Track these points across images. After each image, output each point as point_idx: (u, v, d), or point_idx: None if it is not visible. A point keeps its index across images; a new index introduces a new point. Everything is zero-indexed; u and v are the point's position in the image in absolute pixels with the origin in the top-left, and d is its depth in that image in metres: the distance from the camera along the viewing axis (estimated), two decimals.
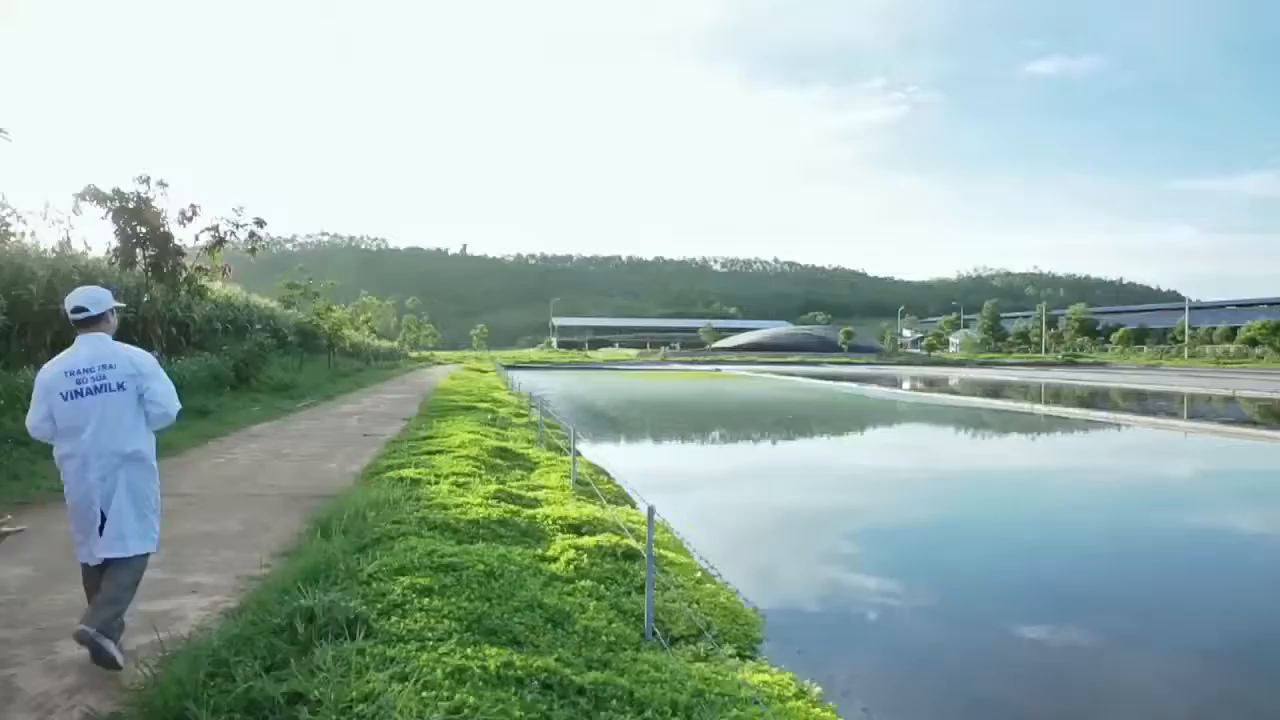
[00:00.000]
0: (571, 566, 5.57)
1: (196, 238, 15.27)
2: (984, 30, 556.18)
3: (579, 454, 10.42)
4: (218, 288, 18.97)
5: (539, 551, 5.92)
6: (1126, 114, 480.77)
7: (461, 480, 8.44)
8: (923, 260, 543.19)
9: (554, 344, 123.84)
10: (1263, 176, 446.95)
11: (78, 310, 4.24)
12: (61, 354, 4.28)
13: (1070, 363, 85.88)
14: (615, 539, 6.28)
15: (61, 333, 15.91)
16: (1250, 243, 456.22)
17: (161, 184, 15.19)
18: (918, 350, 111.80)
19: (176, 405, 4.40)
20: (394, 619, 4.17)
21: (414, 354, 63.77)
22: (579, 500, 8.25)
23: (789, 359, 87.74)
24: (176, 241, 15.32)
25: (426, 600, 4.42)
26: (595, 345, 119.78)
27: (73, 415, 4.13)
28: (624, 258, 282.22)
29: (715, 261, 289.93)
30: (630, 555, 6.06)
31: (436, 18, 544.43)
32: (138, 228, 15.01)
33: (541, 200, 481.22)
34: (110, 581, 4.19)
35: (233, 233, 15.39)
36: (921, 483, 13.50)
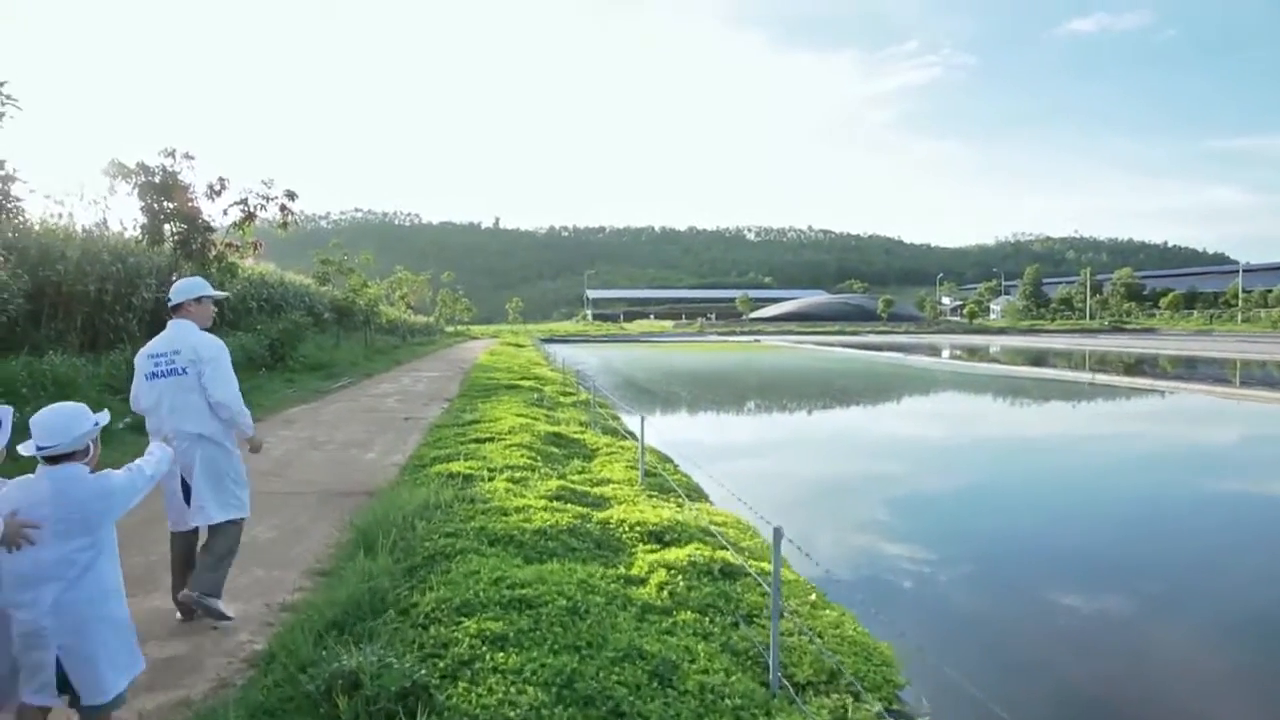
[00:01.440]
0: (666, 592, 4.62)
1: (225, 212, 14.47)
2: None
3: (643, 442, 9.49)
4: (249, 265, 18.22)
5: (622, 571, 4.98)
6: (1167, 72, 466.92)
7: (518, 475, 7.53)
8: (959, 226, 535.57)
9: (589, 316, 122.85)
10: None
11: (168, 300, 4.70)
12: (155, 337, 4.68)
13: (1117, 329, 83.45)
14: (708, 552, 5.33)
15: (93, 315, 15.22)
16: None
17: (188, 157, 14.41)
18: (958, 318, 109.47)
19: (227, 392, 4.55)
20: (462, 685, 3.25)
21: (449, 329, 63.20)
22: (651, 497, 7.32)
23: (828, 329, 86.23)
24: (205, 217, 14.54)
25: (501, 656, 3.49)
26: (630, 317, 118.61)
27: (149, 395, 4.51)
28: (657, 228, 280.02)
29: (749, 230, 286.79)
30: (729, 573, 5.11)
31: None
32: (165, 203, 14.25)
33: (573, 172, 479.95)
34: (207, 552, 4.59)
35: (262, 206, 14.56)
36: (1020, 466, 12.44)
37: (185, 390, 4.47)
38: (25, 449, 2.79)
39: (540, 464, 8.38)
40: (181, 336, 4.55)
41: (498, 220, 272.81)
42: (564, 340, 60.42)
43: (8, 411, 2.75)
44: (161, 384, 4.47)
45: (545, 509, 6.11)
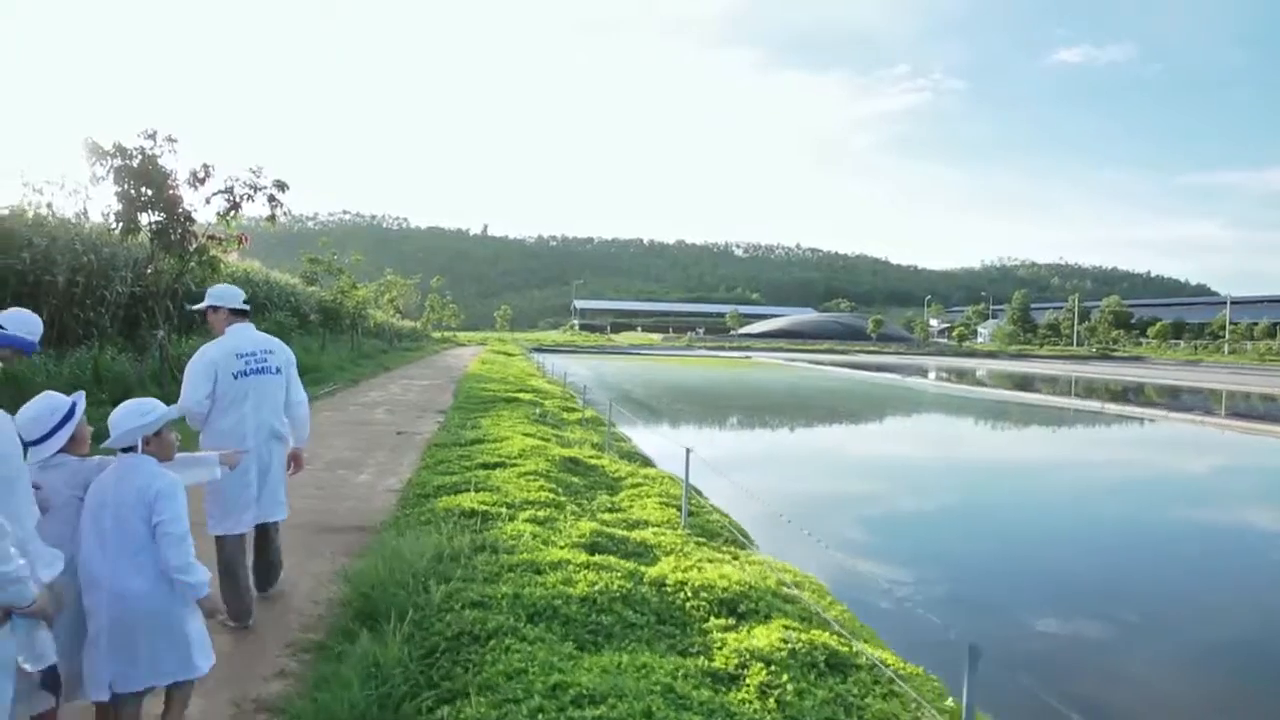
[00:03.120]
0: (772, 702, 3.48)
1: (208, 201, 13.21)
2: (1009, 16, 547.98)
3: (657, 469, 8.36)
4: (233, 260, 16.99)
5: (703, 663, 3.85)
6: (1151, 105, 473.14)
7: (542, 515, 6.38)
8: (945, 249, 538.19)
9: (576, 327, 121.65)
10: None
11: (245, 303, 4.85)
12: (219, 339, 4.71)
13: (1105, 356, 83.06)
14: (802, 633, 4.21)
15: (61, 308, 13.96)
16: (1277, 238, 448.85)
17: (170, 140, 13.14)
18: (946, 340, 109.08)
19: (304, 394, 5.03)
20: None
21: (437, 334, 61.79)
22: (699, 544, 6.20)
23: (817, 347, 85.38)
24: (186, 206, 13.30)
25: None
26: (617, 329, 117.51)
27: (238, 391, 4.57)
28: (645, 241, 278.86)
29: (737, 246, 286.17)
30: (836, 664, 3.99)
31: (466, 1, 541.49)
32: (143, 189, 12.99)
33: (562, 183, 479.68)
34: (271, 545, 4.95)
35: (250, 196, 13.34)
36: (1059, 493, 11.45)
37: (275, 389, 4.72)
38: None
39: (562, 497, 7.24)
40: (267, 339, 4.84)
41: (486, 227, 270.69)
42: (552, 350, 59.13)
43: (80, 397, 2.92)
44: (252, 381, 4.62)
45: (586, 565, 4.97)
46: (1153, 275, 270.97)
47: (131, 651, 2.84)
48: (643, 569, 5.19)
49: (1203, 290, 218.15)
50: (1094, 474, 14.63)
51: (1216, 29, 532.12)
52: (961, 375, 44.12)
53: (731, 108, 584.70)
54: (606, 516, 6.82)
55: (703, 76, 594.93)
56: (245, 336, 4.72)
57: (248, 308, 4.84)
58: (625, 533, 6.20)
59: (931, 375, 43.09)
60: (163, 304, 14.60)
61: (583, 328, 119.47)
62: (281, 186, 13.68)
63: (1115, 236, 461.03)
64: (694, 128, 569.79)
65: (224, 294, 4.79)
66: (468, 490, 7.27)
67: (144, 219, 13.27)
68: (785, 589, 5.30)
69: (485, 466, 8.55)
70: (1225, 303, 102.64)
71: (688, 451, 6.77)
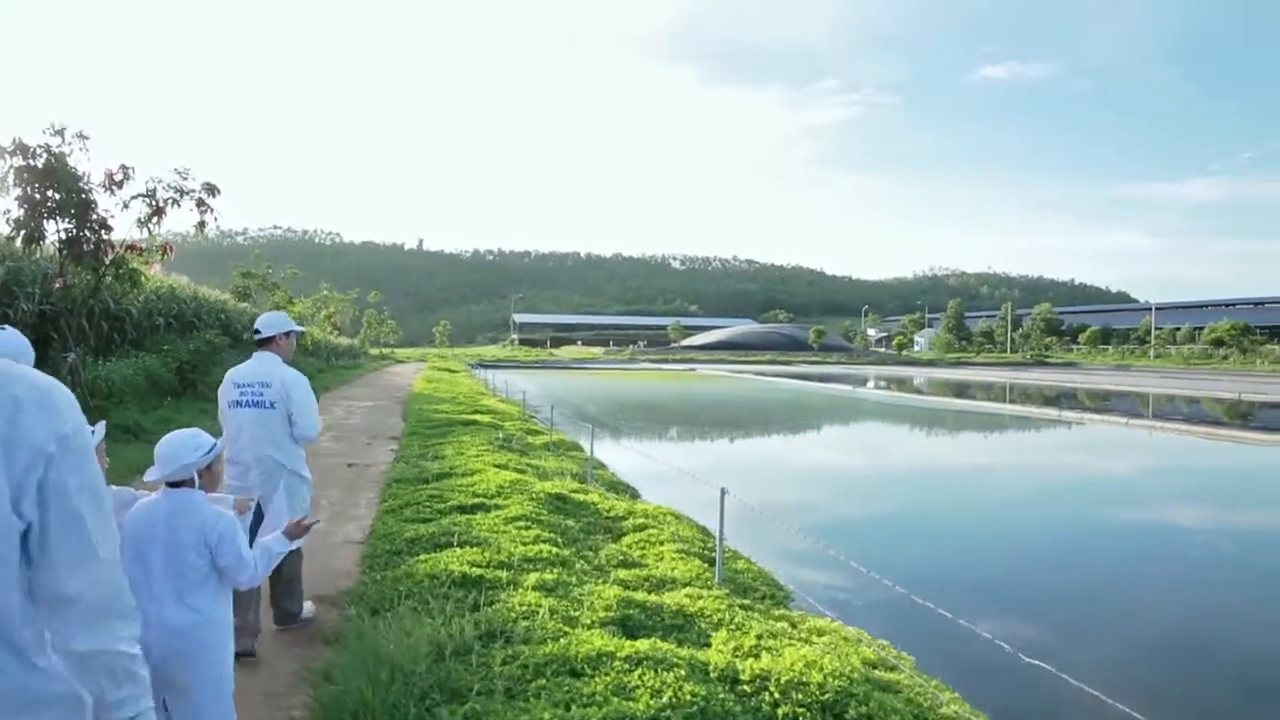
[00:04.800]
0: None
1: (126, 206, 11.66)
2: (937, 34, 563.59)
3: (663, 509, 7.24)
4: (155, 274, 15.33)
5: None
6: (1075, 120, 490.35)
7: (548, 577, 5.19)
8: (879, 259, 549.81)
9: (516, 341, 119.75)
10: (1203, 183, 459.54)
11: (255, 331, 4.89)
12: (239, 365, 4.86)
13: (1040, 363, 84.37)
14: None
15: None
16: (1191, 246, 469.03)
17: (81, 137, 11.61)
18: (885, 349, 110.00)
19: (312, 427, 4.79)
20: None
21: (374, 351, 59.50)
22: (743, 608, 5.09)
23: (760, 358, 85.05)
24: (101, 212, 11.77)
25: None
26: (557, 343, 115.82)
27: (231, 422, 4.64)
28: (583, 254, 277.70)
29: (674, 259, 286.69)
30: None
31: (396, 12, 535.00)
32: (49, 193, 11.43)
33: (499, 196, 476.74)
34: (279, 583, 4.74)
35: (175, 201, 11.82)
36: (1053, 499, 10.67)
37: (269, 421, 4.62)
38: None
39: (564, 549, 6.04)
40: (271, 370, 4.72)
41: (421, 242, 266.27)
42: (494, 366, 57.33)
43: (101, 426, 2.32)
44: (244, 413, 4.59)
45: (634, 660, 3.80)
46: (1076, 283, 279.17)
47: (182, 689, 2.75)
48: (700, 657, 4.05)
49: (1123, 297, 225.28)
50: (1089, 479, 14.96)
51: (1137, 48, 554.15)
52: (908, 384, 43.96)
53: (670, 122, 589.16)
54: (623, 574, 5.65)
55: (642, 91, 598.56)
56: (252, 367, 4.75)
57: (270, 335, 4.80)
58: (655, 597, 5.05)
59: (881, 385, 42.90)
60: (75, 322, 12.98)
61: (522, 342, 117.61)
62: (212, 190, 12.18)
63: (1042, 245, 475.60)
64: (632, 141, 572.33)
65: (260, 322, 4.93)
66: (449, 544, 6.03)
67: (51, 227, 11.70)
68: (878, 672, 4.21)
69: (463, 510, 7.29)
70: (1150, 309, 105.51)
71: (723, 493, 5.63)
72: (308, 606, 5.07)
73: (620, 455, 13.51)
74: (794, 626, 4.97)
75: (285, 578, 4.76)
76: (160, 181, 12.00)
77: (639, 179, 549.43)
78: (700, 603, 5.02)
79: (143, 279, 12.99)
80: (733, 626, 4.63)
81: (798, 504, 11.17)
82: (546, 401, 24.36)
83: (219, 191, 12.35)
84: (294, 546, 3.41)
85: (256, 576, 2.93)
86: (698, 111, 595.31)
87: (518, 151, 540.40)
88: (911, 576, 6.13)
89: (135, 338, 17.96)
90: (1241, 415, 26.78)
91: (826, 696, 3.64)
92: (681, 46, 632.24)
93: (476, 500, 7.56)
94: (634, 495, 10.20)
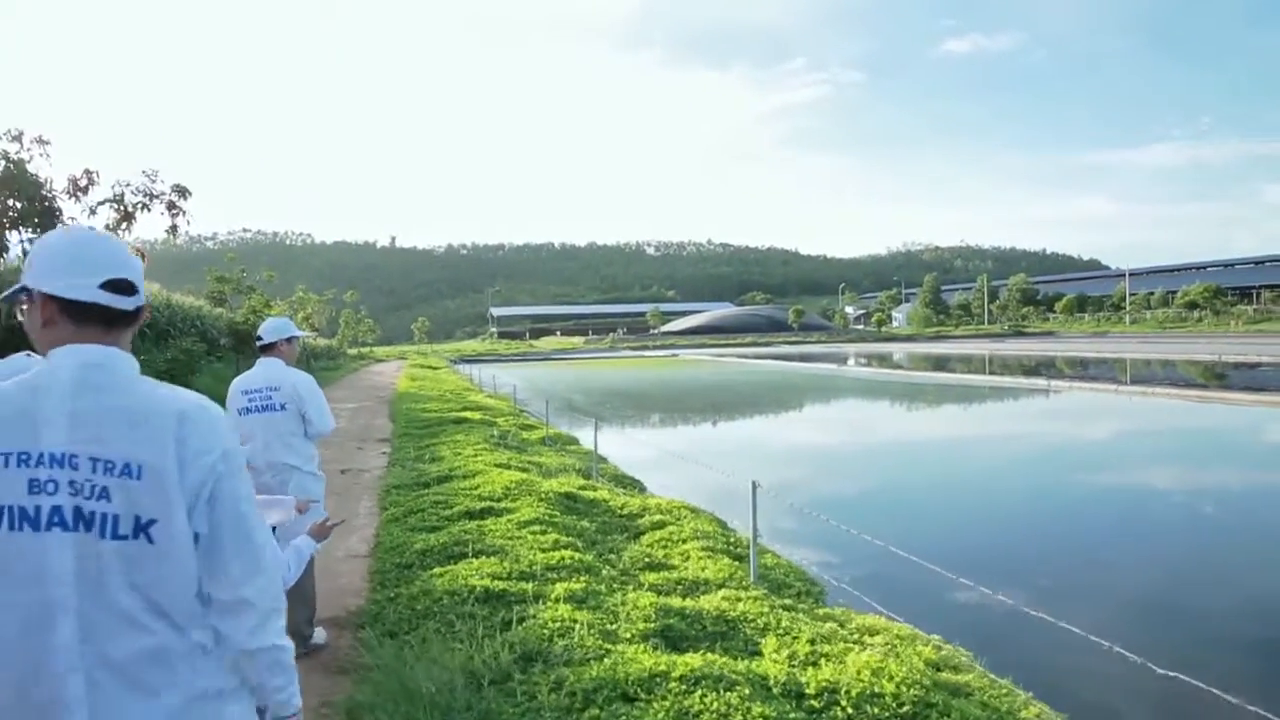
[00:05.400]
0: None
1: (93, 212, 11.14)
2: (901, 8, 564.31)
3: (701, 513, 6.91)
4: None
5: None
6: (1039, 90, 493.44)
7: (577, 587, 4.84)
8: (853, 237, 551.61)
9: (495, 335, 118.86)
10: (1165, 148, 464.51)
11: (257, 338, 4.90)
12: (245, 373, 4.89)
13: (1019, 333, 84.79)
14: None
15: None
16: (1157, 211, 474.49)
17: (41, 141, 11.09)
18: (864, 327, 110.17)
19: (330, 424, 4.88)
20: None
21: (353, 351, 58.67)
22: (785, 609, 4.77)
23: (740, 340, 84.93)
24: (67, 220, 11.23)
25: None
26: (536, 334, 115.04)
27: (243, 429, 4.58)
28: (557, 244, 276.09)
29: (649, 245, 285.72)
30: None
31: (361, 7, 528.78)
32: (10, 201, 10.90)
33: (471, 190, 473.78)
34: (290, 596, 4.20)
35: (144, 205, 11.30)
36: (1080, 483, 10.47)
37: (280, 424, 4.66)
38: None
39: (586, 554, 5.70)
40: (278, 374, 4.76)
41: (394, 239, 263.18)
42: (475, 360, 56.78)
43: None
44: (255, 418, 4.64)
45: (690, 678, 3.47)
46: (1048, 252, 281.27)
47: None
48: (756, 670, 3.72)
49: (1094, 264, 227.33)
50: (1086, 447, 15.16)
51: (1095, 16, 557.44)
52: (891, 360, 43.95)
53: (639, 108, 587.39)
54: (652, 578, 5.32)
55: (610, 79, 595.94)
56: (259, 373, 4.80)
57: (272, 340, 4.82)
58: (692, 603, 4.72)
59: (865, 362, 42.83)
60: None
61: (501, 335, 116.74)
62: (182, 192, 11.69)
63: (1013, 216, 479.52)
64: (603, 129, 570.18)
65: (263, 329, 4.93)
66: (463, 554, 5.67)
67: (14, 237, 11.18)
68: (945, 674, 3.91)
69: (470, 515, 6.93)
70: (1123, 275, 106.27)
71: (754, 487, 5.30)
72: (318, 633, 4.78)
73: (616, 445, 13.15)
74: (842, 626, 4.66)
75: (303, 588, 4.60)
76: (128, 185, 11.52)
77: (611, 166, 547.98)
78: (741, 606, 4.70)
79: None
80: (780, 631, 4.31)
81: (802, 486, 10.88)
82: (533, 394, 24.04)
83: (190, 193, 11.87)
84: (320, 547, 3.19)
85: (289, 579, 2.71)
86: (666, 96, 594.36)
87: (488, 144, 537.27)
88: (943, 555, 5.85)
89: None
90: (1210, 376, 27.14)
91: (904, 709, 3.33)
92: (646, 30, 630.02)
93: (485, 504, 7.19)
94: (640, 488, 9.89)
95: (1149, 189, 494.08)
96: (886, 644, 4.34)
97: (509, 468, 9.29)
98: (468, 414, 15.88)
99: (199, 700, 1.56)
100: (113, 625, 1.48)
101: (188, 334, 20.98)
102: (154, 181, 11.65)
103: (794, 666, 3.80)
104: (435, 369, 39.47)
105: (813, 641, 4.14)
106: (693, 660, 3.69)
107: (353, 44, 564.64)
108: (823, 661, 3.84)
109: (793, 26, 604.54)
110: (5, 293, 1.63)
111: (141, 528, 1.48)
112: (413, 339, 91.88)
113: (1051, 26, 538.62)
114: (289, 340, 4.91)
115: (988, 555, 7.68)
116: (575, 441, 13.66)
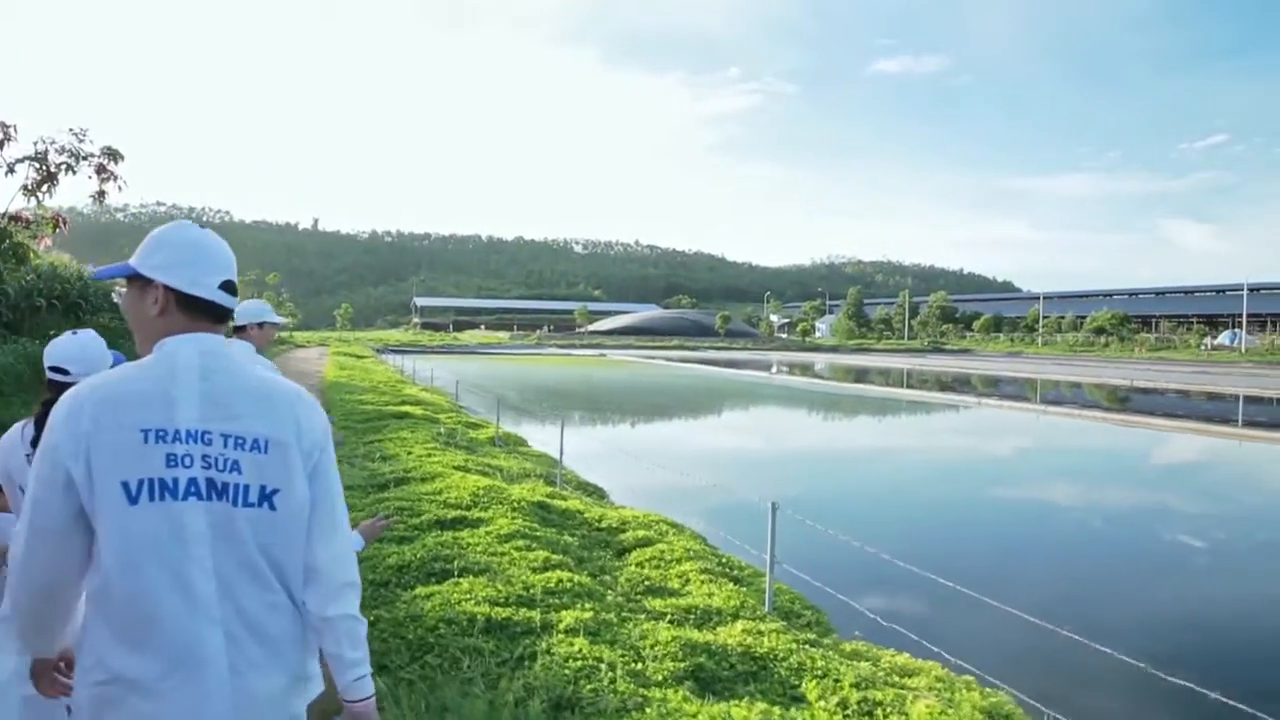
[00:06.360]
0: None
1: (10, 170, 10.12)
2: (836, 26, 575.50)
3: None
4: (45, 249, 13.56)
5: None
6: (961, 114, 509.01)
7: (586, 615, 4.38)
8: (779, 246, 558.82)
9: (418, 325, 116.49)
10: (1077, 178, 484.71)
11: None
12: None
13: (938, 349, 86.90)
14: None
15: None
16: (1067, 239, 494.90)
17: None
18: (789, 336, 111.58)
19: None
20: None
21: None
22: (809, 644, 4.40)
23: (667, 343, 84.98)
24: None
25: None
26: (460, 326, 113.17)
27: None
28: (484, 237, 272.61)
29: (576, 243, 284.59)
30: None
31: None
32: None
33: (398, 176, 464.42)
34: None
35: (70, 167, 10.32)
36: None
37: None
38: None
39: (581, 574, 5.22)
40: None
41: (316, 222, 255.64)
42: (399, 350, 55.24)
43: None
44: None
45: None
46: (965, 272, 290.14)
47: None
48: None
49: (1008, 286, 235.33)
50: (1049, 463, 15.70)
51: (1015, 45, 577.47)
52: (815, 370, 44.43)
53: (573, 104, 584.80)
54: (657, 604, 4.89)
55: (544, 74, 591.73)
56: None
57: (243, 324, 4.55)
58: (712, 636, 4.31)
59: (789, 370, 43.20)
60: None
61: (424, 326, 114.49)
62: (114, 156, 10.73)
63: (934, 236, 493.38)
64: (535, 124, 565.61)
65: (237, 311, 4.57)
66: (446, 572, 5.13)
67: None
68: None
69: (441, 525, 6.36)
70: (1037, 298, 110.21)
71: (773, 508, 4.92)
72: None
73: (567, 447, 12.63)
74: (875, 665, 4.30)
75: None
76: (53, 143, 10.50)
77: (541, 161, 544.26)
78: (765, 641, 4.31)
79: (30, 255, 11.43)
80: (818, 673, 3.93)
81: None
82: (464, 389, 23.24)
83: (122, 157, 10.91)
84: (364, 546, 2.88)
85: None
86: (601, 95, 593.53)
87: (416, 130, 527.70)
88: (935, 565, 5.58)
89: (11, 321, 16.07)
90: (1123, 400, 28.13)
91: None
92: (584, 27, 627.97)
93: (456, 514, 6.63)
94: (601, 495, 9.46)
95: (1062, 215, 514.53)
96: (931, 687, 4.00)
97: (468, 470, 8.74)
98: (408, 408, 15.14)
99: (300, 682, 1.68)
100: (245, 583, 1.60)
101: (101, 310, 19.65)
102: (81, 141, 10.66)
103: (848, 718, 3.42)
104: (361, 358, 38.21)
105: (856, 686, 3.77)
106: (746, 712, 3.28)
107: (281, 17, 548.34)
108: (879, 712, 3.47)
109: (730, 36, 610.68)
110: (106, 269, 1.76)
111: (266, 496, 1.62)
112: (334, 325, 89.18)
113: (978, 50, 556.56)
114: (260, 325, 4.64)
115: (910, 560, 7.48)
116: (525, 442, 13.11)
